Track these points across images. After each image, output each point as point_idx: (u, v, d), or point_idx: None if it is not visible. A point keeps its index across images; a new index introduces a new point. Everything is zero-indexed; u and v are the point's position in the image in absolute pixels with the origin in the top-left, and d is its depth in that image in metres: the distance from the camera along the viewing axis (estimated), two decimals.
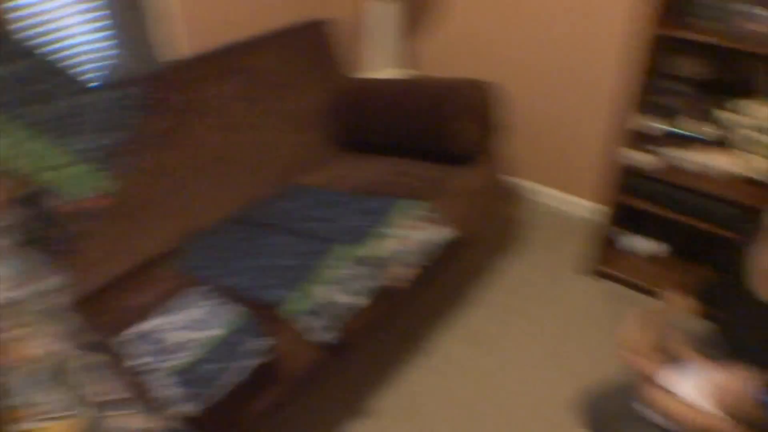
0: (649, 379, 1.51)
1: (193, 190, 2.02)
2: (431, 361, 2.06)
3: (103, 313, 1.70)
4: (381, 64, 2.58)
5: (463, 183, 2.01)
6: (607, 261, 2.31)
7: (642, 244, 2.30)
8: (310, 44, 2.34)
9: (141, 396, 1.38)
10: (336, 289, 1.61)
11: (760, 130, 1.82)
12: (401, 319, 2.20)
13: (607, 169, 2.07)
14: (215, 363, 1.42)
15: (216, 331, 1.51)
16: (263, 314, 1.55)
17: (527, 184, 2.83)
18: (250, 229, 1.94)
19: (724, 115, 1.87)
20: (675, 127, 1.94)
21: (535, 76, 2.51)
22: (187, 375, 1.40)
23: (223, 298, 1.62)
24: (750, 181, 1.90)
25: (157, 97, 1.95)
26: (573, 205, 2.71)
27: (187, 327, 1.55)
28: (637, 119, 1.94)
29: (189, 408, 1.34)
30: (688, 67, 1.89)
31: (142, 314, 1.65)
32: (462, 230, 1.94)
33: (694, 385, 1.44)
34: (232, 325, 1.52)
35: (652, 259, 2.32)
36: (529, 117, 2.63)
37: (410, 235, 1.77)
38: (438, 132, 2.03)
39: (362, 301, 1.65)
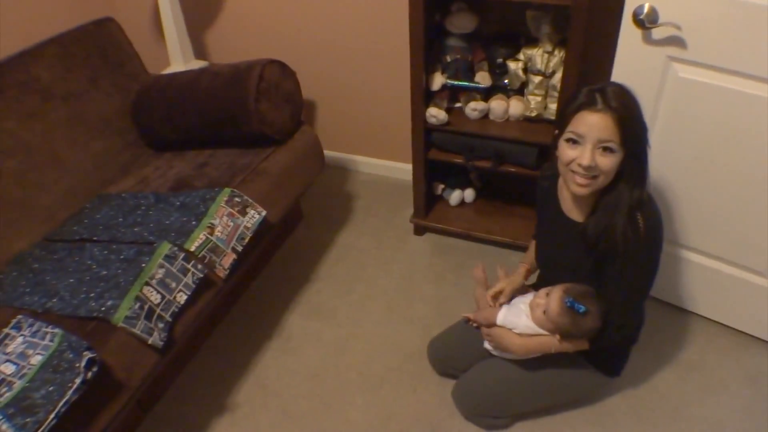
0: (489, 325, 1.67)
1: None
2: (280, 342, 2.07)
3: None
4: (178, 57, 2.52)
5: (271, 163, 2.02)
6: (427, 217, 2.44)
7: (454, 195, 2.45)
8: (98, 45, 2.22)
9: None
10: (162, 288, 1.58)
11: (532, 73, 2.02)
12: (239, 307, 2.20)
13: (411, 129, 2.18)
14: (40, 389, 1.34)
15: (37, 358, 1.43)
16: (89, 329, 1.49)
17: (347, 157, 2.90)
18: (65, 248, 1.84)
19: (509, 64, 2.04)
20: (466, 81, 2.08)
21: (331, 49, 2.55)
22: (13, 408, 1.31)
23: (42, 323, 1.53)
24: (534, 120, 2.09)
25: None
26: (392, 169, 2.82)
27: (9, 360, 1.46)
28: (425, 77, 2.05)
29: None
30: (468, 23, 2.05)
31: None
32: (278, 209, 1.97)
33: (520, 315, 1.61)
34: (53, 347, 1.44)
35: (466, 206, 2.49)
36: (335, 90, 2.68)
37: (224, 223, 1.77)
38: (239, 115, 2.01)
39: (187, 296, 1.62)
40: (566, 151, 1.40)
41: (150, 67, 2.43)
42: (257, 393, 1.92)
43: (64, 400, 1.32)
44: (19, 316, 1.60)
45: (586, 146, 1.36)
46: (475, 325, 1.72)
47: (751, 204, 1.73)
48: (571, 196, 1.54)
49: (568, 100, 1.44)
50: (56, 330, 1.48)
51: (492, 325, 1.64)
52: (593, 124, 1.35)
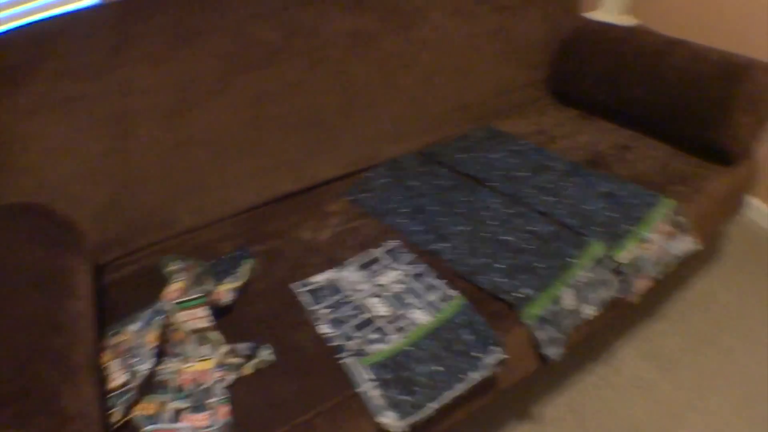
0: None
1: (386, 111, 1.68)
2: (607, 372, 1.77)
3: (274, 237, 1.42)
4: (611, 5, 2.14)
5: (716, 185, 1.62)
6: None
7: None
8: None
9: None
10: (578, 295, 1.30)
11: None
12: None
13: None
14: (425, 363, 1.12)
15: (423, 315, 1.20)
16: (491, 310, 1.23)
17: (755, 200, 2.37)
18: (450, 178, 1.60)
19: None
20: None
21: None
22: (390, 372, 1.10)
23: (430, 269, 1.31)
24: None
25: None
26: None
27: (381, 296, 1.25)
28: None
29: (390, 419, 1.04)
30: None
31: (319, 257, 1.36)
32: (701, 240, 1.59)
33: None
34: (447, 313, 1.21)
35: None
36: None
37: (658, 242, 1.43)
38: (708, 118, 1.61)
39: (596, 311, 1.33)
40: None
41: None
42: (567, 416, 1.64)
43: (453, 392, 1.10)
44: (396, 242, 1.40)
45: None
46: None
47: None
48: None
49: None
50: (453, 292, 1.25)
51: None
52: None
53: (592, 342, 1.83)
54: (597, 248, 1.33)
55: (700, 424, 1.68)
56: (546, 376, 1.73)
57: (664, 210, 1.46)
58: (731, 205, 1.74)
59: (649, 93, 1.70)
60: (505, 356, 1.15)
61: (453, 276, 1.30)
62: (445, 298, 1.24)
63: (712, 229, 1.71)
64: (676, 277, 2.08)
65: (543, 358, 1.28)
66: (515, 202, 1.49)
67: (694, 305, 2.00)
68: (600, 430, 1.63)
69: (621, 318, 1.91)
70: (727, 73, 1.57)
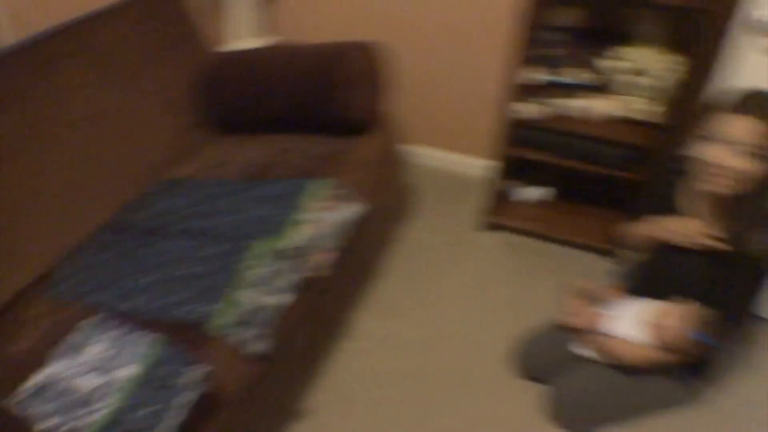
0: (590, 329, 1.61)
1: (57, 203, 1.70)
2: (353, 343, 1.95)
3: None
4: (243, 33, 2.34)
5: (362, 153, 1.87)
6: (502, 213, 2.33)
7: (532, 192, 2.35)
8: (164, 16, 2.03)
9: None
10: (261, 290, 1.44)
11: (635, 73, 1.92)
12: (319, 307, 2.06)
13: (496, 123, 2.06)
14: (144, 407, 1.20)
15: (131, 369, 1.27)
16: (185, 337, 1.33)
17: (417, 148, 2.74)
18: (135, 238, 1.67)
19: (603, 62, 1.94)
20: (558, 76, 1.96)
21: (414, 33, 2.40)
22: (115, 430, 1.17)
23: (125, 326, 1.38)
24: (630, 122, 2.00)
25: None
26: (464, 164, 2.68)
27: (94, 369, 1.31)
28: (521, 71, 1.93)
29: None
30: (568, 17, 1.93)
31: (32, 363, 1.37)
32: (369, 202, 1.82)
33: (629, 323, 1.55)
34: (150, 357, 1.29)
35: (542, 204, 2.38)
36: (413, 78, 2.51)
37: (324, 217, 1.63)
38: (326, 102, 1.84)
39: (289, 298, 1.48)
40: (705, 150, 1.40)
41: (211, 43, 2.25)
42: (334, 398, 1.79)
43: (172, 423, 1.19)
44: (96, 317, 1.44)
45: (730, 148, 1.35)
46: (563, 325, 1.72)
47: None
48: (700, 197, 1.52)
49: (713, 100, 1.42)
50: (150, 337, 1.33)
51: (596, 331, 1.61)
52: (739, 126, 1.33)
53: (334, 323, 2.00)
54: (260, 246, 1.49)
55: (440, 348, 1.93)
56: (302, 372, 1.86)
57: (318, 190, 1.66)
58: (389, 162, 2.02)
59: (276, 99, 1.91)
60: (207, 369, 1.26)
61: (149, 324, 1.37)
62: (144, 346, 1.32)
63: (379, 186, 1.96)
64: (385, 237, 2.35)
65: (257, 357, 1.41)
66: (192, 237, 1.61)
67: (407, 254, 2.28)
68: (366, 395, 1.80)
69: (350, 294, 2.11)
70: (326, 61, 1.82)
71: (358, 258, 2.25)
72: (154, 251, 1.60)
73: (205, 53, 2.14)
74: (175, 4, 2.09)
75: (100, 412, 1.20)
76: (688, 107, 1.78)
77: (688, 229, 1.51)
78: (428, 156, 2.74)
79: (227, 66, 2.04)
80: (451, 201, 2.54)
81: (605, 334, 1.58)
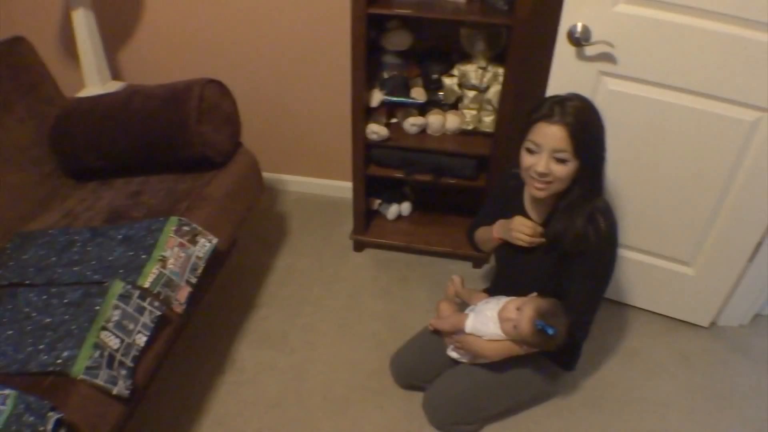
0: (454, 330, 1.71)
1: None
2: (234, 375, 1.96)
3: None
4: (95, 79, 2.34)
5: (216, 187, 1.91)
6: (368, 232, 2.42)
7: (393, 209, 2.45)
8: (8, 66, 2.00)
9: None
10: (121, 331, 1.45)
11: (466, 87, 2.07)
12: (181, 342, 2.04)
13: (352, 145, 2.16)
14: None
15: None
16: (46, 385, 1.32)
17: (279, 176, 2.81)
18: None
19: (441, 79, 2.08)
20: (401, 97, 2.08)
21: (258, 67, 2.47)
22: None
23: None
24: (471, 133, 2.14)
25: None
26: (330, 188, 2.77)
27: None
28: (365, 94, 2.04)
29: None
30: (403, 40, 2.07)
31: None
32: (224, 235, 1.86)
33: (486, 320, 1.65)
34: (6, 411, 1.27)
35: (404, 219, 2.49)
36: (268, 108, 2.58)
37: (176, 255, 1.65)
38: (177, 139, 1.87)
39: (147, 337, 1.49)
40: (525, 158, 1.52)
41: (62, 90, 2.22)
42: (221, 430, 1.81)
43: None
44: None
45: (542, 155, 1.47)
46: (435, 331, 1.80)
47: (674, 200, 1.90)
48: (530, 198, 1.65)
49: (530, 110, 1.52)
50: (7, 391, 1.30)
51: (458, 332, 1.69)
52: (549, 134, 1.46)
53: (213, 358, 2.02)
54: (118, 286, 1.49)
55: (319, 368, 1.98)
56: (187, 410, 1.86)
57: (171, 227, 1.68)
58: (246, 192, 2.07)
59: (127, 142, 1.92)
60: (60, 415, 1.24)
61: (9, 378, 1.35)
62: (3, 401, 1.29)
63: (238, 218, 2.00)
64: (257, 267, 2.39)
65: (121, 398, 1.40)
66: (50, 286, 1.59)
67: (282, 282, 2.32)
68: (247, 425, 1.82)
69: (227, 327, 2.14)
70: (174, 99, 1.87)
71: (231, 289, 2.27)
72: (10, 307, 1.57)
73: (58, 101, 2.12)
74: (22, 54, 2.07)
75: None
76: (515, 116, 1.94)
77: (516, 228, 1.63)
78: (297, 183, 2.81)
79: (77, 113, 2.02)
80: (321, 225, 2.61)
81: (466, 334, 1.67)
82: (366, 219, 2.43)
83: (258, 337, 2.09)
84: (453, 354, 1.75)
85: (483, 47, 2.00)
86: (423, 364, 1.85)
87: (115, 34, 2.52)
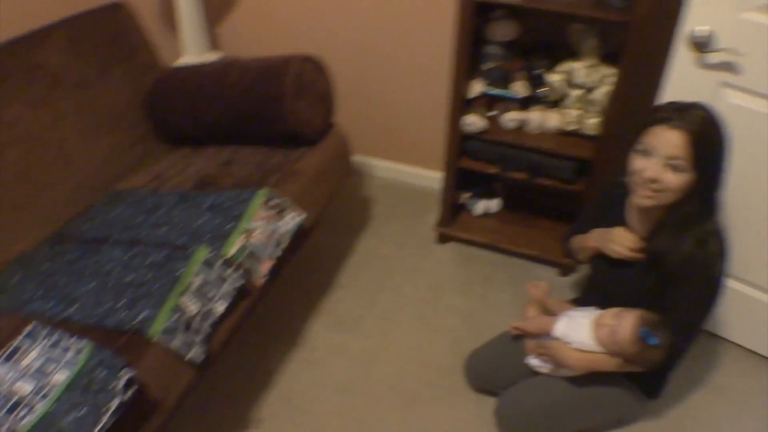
0: (539, 335, 1.62)
1: None
2: (304, 353, 1.95)
3: None
4: (193, 48, 2.37)
5: (307, 164, 1.89)
6: (454, 225, 2.35)
7: (482, 204, 2.37)
8: (109, 31, 2.06)
9: None
10: (201, 298, 1.45)
11: (573, 86, 1.96)
12: (257, 315, 2.05)
13: (444, 135, 2.09)
14: (69, 414, 1.19)
15: (62, 375, 1.27)
16: (121, 343, 1.33)
17: (367, 160, 2.77)
18: (77, 248, 1.67)
19: (545, 75, 1.99)
20: (502, 90, 2.00)
21: (359, 48, 2.42)
22: None
23: (63, 334, 1.38)
24: (573, 134, 2.02)
25: None
26: (419, 176, 2.70)
27: (25, 377, 1.31)
28: (466, 84, 1.97)
29: None
30: (509, 32, 1.98)
31: None
32: (311, 213, 1.83)
33: (577, 329, 1.55)
34: (81, 362, 1.29)
35: (493, 216, 2.40)
36: (363, 91, 2.53)
37: (265, 227, 1.65)
38: (272, 113, 1.86)
39: (226, 305, 1.49)
40: (635, 161, 1.41)
41: (159, 58, 2.27)
42: (283, 408, 1.79)
43: (100, 426, 1.17)
44: (32, 324, 1.45)
45: (655, 160, 1.36)
46: (517, 336, 1.71)
47: None
48: (636, 209, 1.53)
49: (647, 112, 1.42)
50: (83, 343, 1.33)
51: (543, 336, 1.60)
52: (667, 139, 1.34)
53: (286, 333, 2.01)
54: (202, 252, 1.49)
55: (391, 357, 1.94)
56: (255, 381, 1.86)
57: (260, 199, 1.67)
58: (335, 172, 2.03)
59: (222, 113, 1.93)
60: (132, 374, 1.25)
61: (87, 330, 1.37)
62: (79, 351, 1.32)
63: (326, 196, 1.98)
64: (339, 248, 2.36)
65: (193, 364, 1.41)
66: (135, 245, 1.61)
67: (362, 265, 2.29)
68: (313, 405, 1.80)
69: (303, 303, 2.12)
70: (272, 73, 1.85)
71: (311, 268, 2.26)
72: (94, 260, 1.60)
73: (156, 68, 2.17)
74: (122, 20, 2.12)
75: (30, 416, 1.19)
76: (623, 120, 1.82)
77: (616, 240, 1.52)
78: (385, 168, 2.76)
79: (174, 80, 2.06)
80: (405, 213, 2.56)
81: (553, 339, 1.57)
82: (452, 212, 2.35)
83: (333, 319, 2.07)
84: (533, 362, 1.66)
85: (593, 45, 1.89)
86: (499, 368, 1.77)
87: (214, 5, 2.53)
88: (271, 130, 1.92)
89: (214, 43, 2.61)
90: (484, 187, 2.38)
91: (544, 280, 1.83)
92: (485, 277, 2.24)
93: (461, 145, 2.11)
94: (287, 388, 1.85)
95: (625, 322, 1.44)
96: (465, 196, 2.39)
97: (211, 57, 2.41)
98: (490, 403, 1.76)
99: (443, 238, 2.38)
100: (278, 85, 1.83)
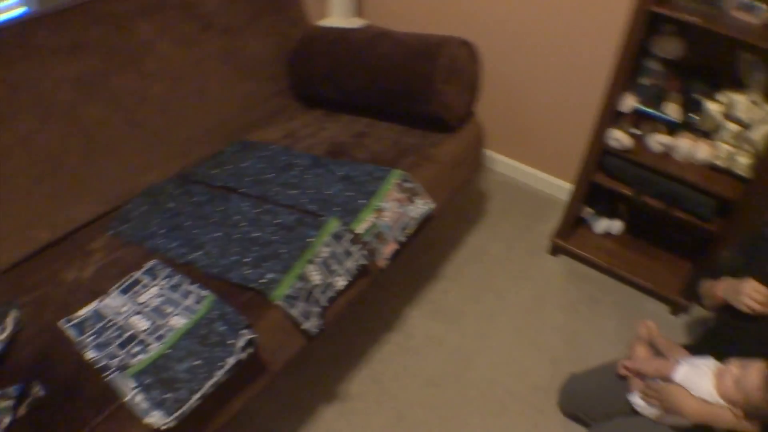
0: (653, 376, 1.53)
1: (130, 146, 1.74)
2: (401, 339, 1.92)
3: (39, 285, 1.44)
4: (340, 12, 2.34)
5: (444, 152, 1.83)
6: (571, 239, 2.26)
7: (601, 223, 2.27)
8: None
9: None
10: (327, 269, 1.43)
11: (731, 120, 1.83)
12: (367, 294, 2.03)
13: (584, 146, 1.99)
14: (183, 362, 1.20)
15: (182, 320, 1.28)
16: (243, 300, 1.34)
17: (499, 156, 2.68)
18: (204, 192, 1.68)
19: (702, 102, 1.86)
20: (655, 109, 1.89)
21: (514, 39, 2.31)
22: (150, 377, 1.17)
23: (185, 278, 1.39)
24: (719, 170, 1.88)
25: (81, 38, 1.64)
26: (544, 182, 2.59)
27: (142, 313, 1.32)
28: (620, 98, 1.87)
29: (156, 419, 1.11)
30: (674, 48, 1.86)
31: (87, 292, 1.40)
32: (438, 202, 1.78)
33: (695, 377, 1.46)
34: (201, 312, 1.30)
35: (613, 237, 2.30)
36: (505, 83, 2.43)
37: (396, 209, 1.61)
38: (417, 93, 1.81)
39: (346, 282, 1.47)
40: None
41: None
42: (372, 388, 1.78)
43: (213, 381, 1.18)
44: (154, 261, 1.47)
45: None
46: (626, 374, 1.60)
47: None
48: None
49: None
50: (205, 293, 1.34)
51: (656, 378, 1.50)
52: None
53: (385, 315, 1.99)
54: (333, 224, 1.48)
55: (485, 362, 1.88)
56: (349, 356, 1.86)
57: (394, 180, 1.64)
58: (467, 164, 1.96)
59: (366, 83, 1.88)
60: (253, 336, 1.25)
61: (208, 279, 1.38)
62: (199, 300, 1.33)
63: (454, 187, 1.91)
64: (449, 239, 2.31)
65: (307, 334, 1.41)
66: (264, 201, 1.61)
67: (469, 261, 2.23)
68: (401, 392, 1.78)
69: (405, 288, 2.09)
70: (425, 53, 1.78)
71: (418, 254, 2.22)
72: (221, 209, 1.61)
73: (303, 25, 2.14)
74: None
75: (143, 355, 1.21)
76: None
77: (748, 293, 1.42)
78: (507, 165, 2.67)
79: (322, 41, 2.02)
80: (521, 215, 2.48)
81: (668, 382, 1.49)
82: (573, 225, 2.26)
83: (434, 309, 2.03)
84: (637, 401, 1.57)
85: (762, 80, 1.74)
86: (597, 399, 1.68)
87: None
88: (413, 109, 1.86)
89: (359, 9, 2.57)
90: (609, 205, 2.27)
91: (654, 317, 1.75)
92: (592, 299, 2.15)
93: (599, 159, 2.01)
94: (379, 369, 1.84)
95: (752, 370, 1.34)
96: (587, 211, 2.29)
97: (355, 22, 2.37)
98: (577, 430, 1.70)
99: (556, 249, 2.29)
100: (430, 66, 1.77)
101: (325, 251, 1.44)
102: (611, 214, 2.27)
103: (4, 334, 1.29)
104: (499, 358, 1.91)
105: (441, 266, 2.20)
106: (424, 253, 2.23)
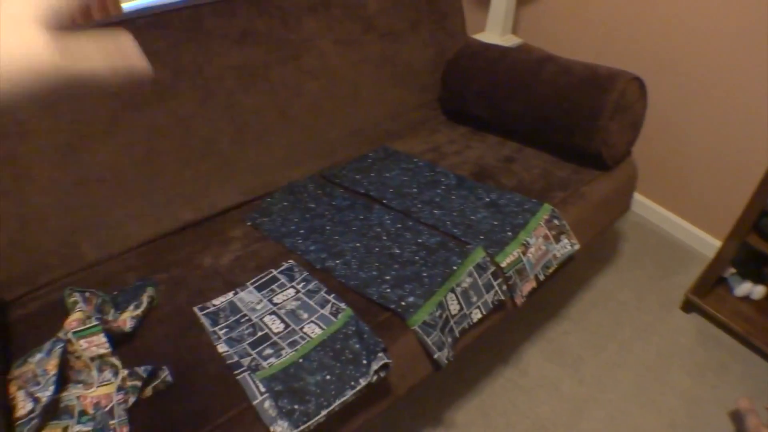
0: None
1: (280, 139, 1.74)
2: (515, 374, 1.85)
3: (176, 265, 1.46)
4: (497, 27, 2.27)
5: (594, 189, 1.73)
6: (708, 297, 2.09)
7: (742, 286, 2.08)
8: None
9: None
10: (463, 300, 1.38)
11: None
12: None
13: (743, 203, 1.84)
14: (315, 374, 1.17)
15: (315, 329, 1.26)
16: (380, 320, 1.30)
17: (642, 198, 2.52)
18: (346, 198, 1.66)
19: None
20: None
21: (680, 77, 2.15)
22: (281, 384, 1.15)
23: (321, 285, 1.37)
24: None
25: (249, 28, 1.66)
26: (687, 233, 2.40)
27: (276, 314, 1.31)
28: None
29: (282, 429, 1.08)
30: None
31: (219, 281, 1.41)
32: (582, 242, 1.68)
33: None
34: (337, 325, 1.27)
35: (749, 301, 2.10)
36: (663, 123, 2.27)
37: (538, 245, 1.53)
38: (581, 126, 1.70)
39: (482, 315, 1.41)
40: None
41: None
42: (478, 420, 1.72)
43: (342, 399, 1.14)
44: (291, 262, 1.46)
45: None
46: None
47: None
48: None
49: None
50: (343, 305, 1.31)
51: None
52: None
53: (500, 347, 1.92)
54: (479, 254, 1.42)
55: (600, 415, 1.78)
56: (458, 383, 1.80)
57: (543, 215, 1.56)
58: (616, 206, 1.85)
59: (524, 107, 1.80)
60: (388, 361, 1.21)
61: (345, 290, 1.36)
62: (336, 311, 1.30)
63: (599, 229, 1.81)
64: (577, 278, 2.20)
65: (435, 363, 1.35)
66: (406, 217, 1.57)
67: (595, 304, 2.12)
68: (507, 429, 1.71)
69: (525, 322, 2.01)
70: (594, 84, 1.69)
71: (544, 290, 2.10)
72: (362, 218, 1.58)
73: (461, 37, 2.09)
74: None
75: (275, 359, 1.20)
76: None
77: None
78: (650, 209, 2.50)
79: (480, 56, 1.96)
80: (655, 263, 2.33)
81: None
82: (712, 284, 2.08)
83: (552, 349, 1.94)
84: None
85: None
86: None
87: None
88: (569, 141, 1.77)
89: (513, 27, 2.48)
90: (754, 267, 2.10)
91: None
92: (721, 366, 1.99)
93: (758, 219, 1.85)
94: (488, 402, 1.77)
95: None
96: (729, 271, 2.12)
97: (510, 40, 2.30)
98: None
99: (689, 306, 2.13)
100: (599, 100, 1.67)
101: (467, 281, 1.38)
102: (755, 278, 2.09)
103: (140, 310, 1.31)
104: (615, 412, 1.80)
105: (565, 306, 2.10)
106: (548, 288, 2.14)
